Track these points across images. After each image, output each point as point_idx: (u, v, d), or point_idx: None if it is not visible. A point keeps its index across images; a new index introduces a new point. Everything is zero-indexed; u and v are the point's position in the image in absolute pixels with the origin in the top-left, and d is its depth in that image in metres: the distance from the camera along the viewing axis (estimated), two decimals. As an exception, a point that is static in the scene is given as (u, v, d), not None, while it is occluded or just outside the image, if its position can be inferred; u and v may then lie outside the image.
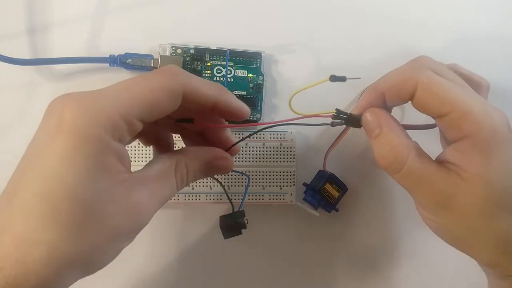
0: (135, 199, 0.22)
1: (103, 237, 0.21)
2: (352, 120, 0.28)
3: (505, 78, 0.37)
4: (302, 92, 0.27)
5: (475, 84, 0.32)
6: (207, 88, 0.25)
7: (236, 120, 0.27)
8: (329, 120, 0.28)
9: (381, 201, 0.36)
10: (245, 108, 0.27)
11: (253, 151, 0.35)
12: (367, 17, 0.37)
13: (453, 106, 0.25)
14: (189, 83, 0.24)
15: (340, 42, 0.36)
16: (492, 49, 0.37)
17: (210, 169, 0.27)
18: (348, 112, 0.28)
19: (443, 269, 0.36)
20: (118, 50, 0.34)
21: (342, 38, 0.36)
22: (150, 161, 0.25)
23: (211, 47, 0.34)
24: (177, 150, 0.27)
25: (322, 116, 0.27)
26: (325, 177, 0.34)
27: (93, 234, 0.20)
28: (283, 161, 0.35)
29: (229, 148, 0.28)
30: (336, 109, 0.28)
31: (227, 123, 0.28)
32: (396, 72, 0.27)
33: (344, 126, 0.31)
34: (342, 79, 0.25)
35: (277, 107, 0.36)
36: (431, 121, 0.28)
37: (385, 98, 0.27)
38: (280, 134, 0.35)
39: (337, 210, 0.35)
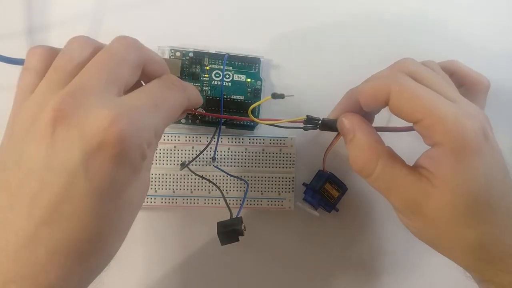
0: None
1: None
2: (326, 125, 0.29)
3: (506, 78, 0.36)
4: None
5: (473, 82, 0.32)
6: (197, 97, 0.29)
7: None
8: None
9: (381, 201, 0.35)
10: None
11: (252, 156, 0.34)
12: (367, 21, 0.36)
13: (424, 114, 0.25)
14: (190, 96, 0.27)
15: (340, 47, 0.36)
16: (493, 48, 0.37)
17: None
18: (321, 118, 0.29)
19: (445, 269, 0.36)
20: (118, 51, 0.34)
21: (342, 43, 0.36)
22: None
23: (210, 51, 0.34)
24: None
25: (296, 122, 0.30)
26: (324, 177, 0.34)
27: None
28: (283, 167, 0.35)
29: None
30: (307, 115, 0.29)
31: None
32: (372, 79, 0.28)
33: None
34: (281, 96, 0.28)
35: (275, 112, 0.35)
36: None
37: (361, 104, 0.28)
38: (280, 140, 0.35)
39: (337, 210, 0.35)
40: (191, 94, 0.27)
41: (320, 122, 0.29)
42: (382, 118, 0.34)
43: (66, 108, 0.21)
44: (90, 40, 0.25)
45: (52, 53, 0.24)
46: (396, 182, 0.26)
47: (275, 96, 0.29)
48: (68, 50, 0.24)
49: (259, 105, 0.35)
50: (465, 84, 0.32)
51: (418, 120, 0.25)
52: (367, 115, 0.29)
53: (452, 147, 0.24)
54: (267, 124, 0.32)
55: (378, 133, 0.28)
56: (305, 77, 0.36)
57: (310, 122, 0.29)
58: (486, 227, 0.25)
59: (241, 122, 0.34)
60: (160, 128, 0.24)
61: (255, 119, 0.30)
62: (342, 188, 0.34)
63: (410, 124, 0.27)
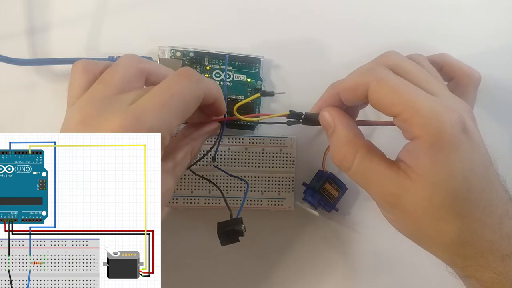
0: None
1: None
2: (309, 119, 0.29)
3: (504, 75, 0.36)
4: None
5: (464, 75, 0.32)
6: (216, 89, 0.28)
7: (216, 115, 0.31)
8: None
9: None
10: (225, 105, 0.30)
11: (252, 156, 0.34)
12: (367, 22, 0.36)
13: (401, 107, 0.24)
14: (207, 87, 0.27)
15: (340, 47, 0.36)
16: (491, 46, 0.37)
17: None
18: (303, 112, 0.29)
19: (444, 269, 0.36)
20: (117, 51, 0.34)
21: (342, 44, 0.36)
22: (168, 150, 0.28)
23: (210, 51, 0.34)
24: (185, 137, 0.30)
25: (279, 116, 0.30)
26: (324, 176, 0.34)
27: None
28: (283, 167, 0.35)
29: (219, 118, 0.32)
30: (290, 110, 0.29)
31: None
32: (353, 73, 0.27)
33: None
34: (271, 94, 0.30)
35: (275, 112, 0.35)
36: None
37: (341, 98, 0.28)
38: (280, 140, 0.35)
39: (337, 210, 0.35)
40: (208, 87, 0.27)
41: (303, 116, 0.29)
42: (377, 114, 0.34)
43: None
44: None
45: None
46: (375, 175, 0.26)
47: (264, 93, 0.30)
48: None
49: (259, 106, 0.35)
50: (455, 77, 0.32)
51: (397, 114, 0.25)
52: (351, 110, 0.29)
53: (429, 140, 0.24)
54: (250, 121, 0.33)
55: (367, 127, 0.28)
56: (306, 77, 0.36)
57: (294, 117, 0.29)
58: (466, 223, 0.25)
59: (242, 122, 0.34)
60: (169, 124, 0.25)
61: (240, 117, 0.30)
62: (342, 188, 0.34)
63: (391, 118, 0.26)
